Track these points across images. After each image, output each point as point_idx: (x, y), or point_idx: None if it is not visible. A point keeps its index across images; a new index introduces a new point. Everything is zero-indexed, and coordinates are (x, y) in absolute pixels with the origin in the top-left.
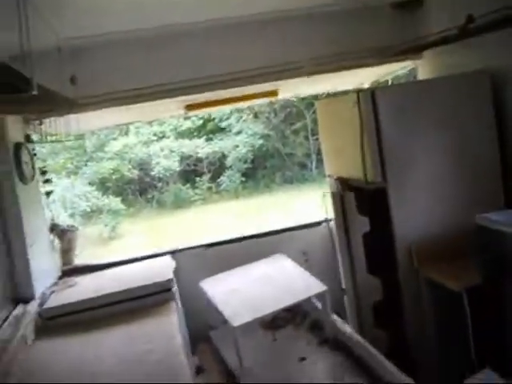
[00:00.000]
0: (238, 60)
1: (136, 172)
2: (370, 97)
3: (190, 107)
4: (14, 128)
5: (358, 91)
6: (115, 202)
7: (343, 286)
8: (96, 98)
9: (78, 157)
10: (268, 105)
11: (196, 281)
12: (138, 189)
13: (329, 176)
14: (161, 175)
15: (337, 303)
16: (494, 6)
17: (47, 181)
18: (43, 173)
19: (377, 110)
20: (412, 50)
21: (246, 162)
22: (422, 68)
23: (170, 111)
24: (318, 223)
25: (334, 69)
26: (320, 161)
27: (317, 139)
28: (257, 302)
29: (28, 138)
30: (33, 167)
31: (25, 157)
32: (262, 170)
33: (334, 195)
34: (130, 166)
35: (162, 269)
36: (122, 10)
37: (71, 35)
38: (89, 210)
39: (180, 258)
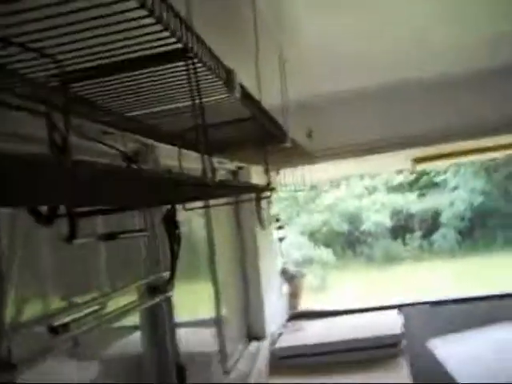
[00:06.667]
0: (473, 112)
1: (345, 225)
2: None
3: (418, 160)
4: (257, 177)
5: None
6: (326, 254)
7: None
8: (330, 150)
9: (289, 208)
10: (488, 160)
11: (421, 339)
12: (347, 242)
13: None
14: (371, 230)
15: None
16: None
17: (280, 227)
18: (277, 220)
19: None
20: None
21: (462, 219)
22: None
23: (397, 164)
24: None
25: None
26: None
27: None
28: (497, 373)
29: (268, 187)
30: (269, 214)
31: (263, 203)
32: (481, 229)
33: None
34: (339, 219)
35: (390, 322)
36: (356, 68)
37: (311, 92)
38: (300, 259)
39: (404, 313)
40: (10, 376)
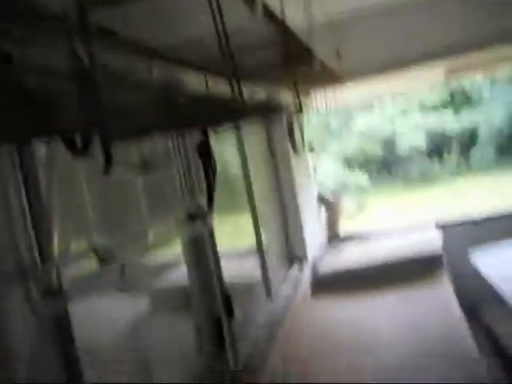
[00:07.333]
0: (508, 15)
1: (380, 149)
2: None
3: (451, 71)
4: (286, 100)
5: None
6: (360, 179)
7: None
8: (360, 69)
9: (321, 134)
10: None
11: (462, 257)
12: (382, 165)
13: None
14: (406, 152)
15: None
16: None
17: (312, 149)
18: (310, 144)
19: None
20: None
21: (500, 135)
22: None
23: (430, 78)
24: None
25: None
26: None
27: None
28: None
29: (300, 109)
30: (302, 139)
31: (296, 128)
32: None
33: None
34: (373, 143)
35: (430, 241)
36: None
37: (337, 11)
38: (336, 185)
39: (444, 231)
40: (59, 301)
